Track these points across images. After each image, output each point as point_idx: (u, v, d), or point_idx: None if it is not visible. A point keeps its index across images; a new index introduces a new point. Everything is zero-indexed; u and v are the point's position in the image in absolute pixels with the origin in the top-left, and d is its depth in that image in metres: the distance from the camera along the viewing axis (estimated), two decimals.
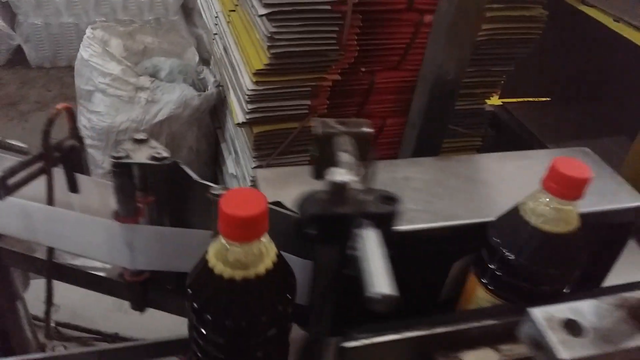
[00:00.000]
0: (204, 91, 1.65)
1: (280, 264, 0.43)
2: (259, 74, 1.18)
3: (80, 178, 0.59)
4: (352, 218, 0.41)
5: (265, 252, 0.42)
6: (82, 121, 1.67)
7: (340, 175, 0.41)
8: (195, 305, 0.43)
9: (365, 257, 0.38)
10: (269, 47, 1.13)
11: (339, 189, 0.41)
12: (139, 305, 0.57)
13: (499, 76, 1.37)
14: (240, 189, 0.42)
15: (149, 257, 0.54)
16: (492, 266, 0.54)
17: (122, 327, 0.90)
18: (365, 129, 0.45)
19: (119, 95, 1.62)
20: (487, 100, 1.43)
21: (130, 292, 0.56)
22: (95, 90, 1.63)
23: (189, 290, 0.43)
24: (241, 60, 1.26)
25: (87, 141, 1.67)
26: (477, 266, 0.57)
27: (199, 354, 0.45)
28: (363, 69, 1.25)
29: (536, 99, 1.52)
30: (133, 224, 0.52)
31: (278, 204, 0.60)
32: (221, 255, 0.41)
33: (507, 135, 1.39)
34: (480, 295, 0.56)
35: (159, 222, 0.55)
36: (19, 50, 2.53)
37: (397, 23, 1.21)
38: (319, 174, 0.48)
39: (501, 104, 1.50)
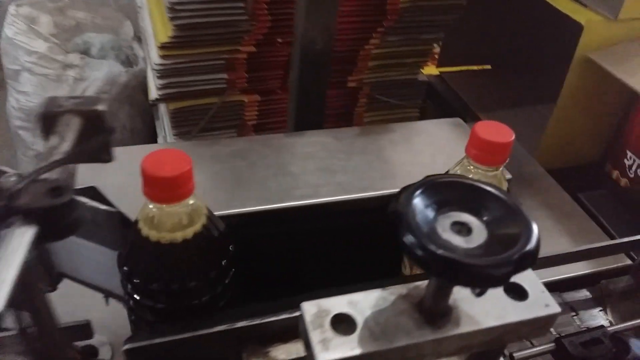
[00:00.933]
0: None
1: (211, 228, 0.42)
2: (165, 48, 1.12)
3: None
4: None
5: (193, 215, 0.41)
6: (11, 102, 1.62)
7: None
8: (125, 269, 0.43)
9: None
10: (172, 19, 1.08)
11: None
12: None
13: (429, 44, 1.31)
14: (165, 149, 0.41)
15: None
16: None
17: None
18: (98, 107, 0.40)
19: (46, 74, 1.56)
20: (421, 70, 1.37)
21: None
22: (22, 70, 1.58)
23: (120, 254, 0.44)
24: (151, 33, 1.20)
25: (17, 122, 1.62)
26: None
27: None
28: (280, 40, 1.19)
29: (475, 67, 1.46)
30: None
31: (92, 189, 0.55)
32: (148, 218, 0.41)
33: (442, 106, 1.33)
34: None
35: None
36: None
37: None
38: None
39: (438, 73, 1.44)
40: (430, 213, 0.34)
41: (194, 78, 1.20)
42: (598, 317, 0.74)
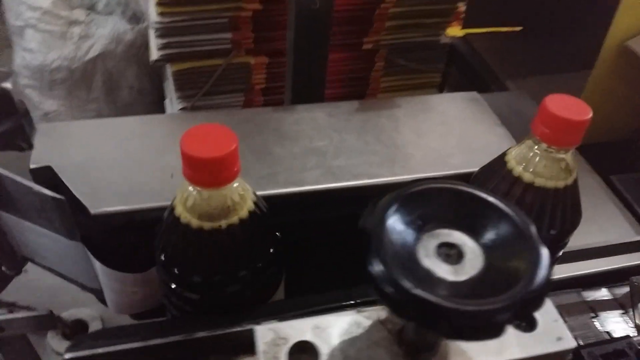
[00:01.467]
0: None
1: (259, 214, 0.38)
2: (163, 4, 1.04)
3: None
4: None
5: (238, 200, 0.36)
6: (17, 60, 1.57)
7: None
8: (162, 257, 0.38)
9: None
10: None
11: None
12: None
13: (452, 3, 1.19)
14: (207, 125, 0.35)
15: None
16: None
17: None
18: (3, 85, 0.33)
19: (50, 31, 1.50)
20: (443, 32, 1.26)
21: None
22: (26, 26, 1.51)
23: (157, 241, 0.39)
24: None
25: (24, 81, 1.57)
26: None
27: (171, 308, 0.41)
28: None
29: (505, 29, 1.34)
30: None
31: (48, 169, 0.49)
32: (186, 202, 0.36)
33: (465, 71, 1.22)
34: None
35: None
36: None
37: None
38: None
39: (462, 35, 1.32)
40: (411, 231, 0.27)
41: (196, 38, 1.12)
42: (621, 321, 0.65)
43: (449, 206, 0.27)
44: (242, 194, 0.37)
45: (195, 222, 0.36)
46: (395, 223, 0.26)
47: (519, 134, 0.92)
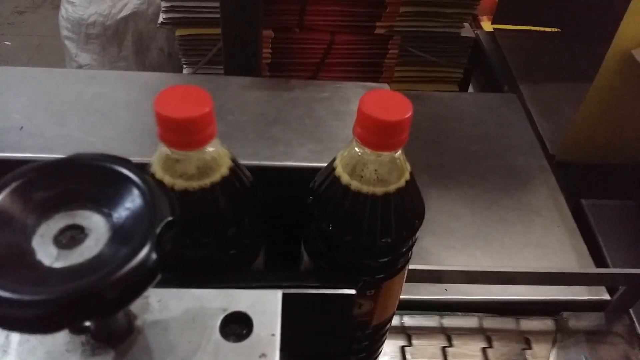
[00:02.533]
0: None
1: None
2: None
3: None
4: None
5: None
6: (62, 11, 1.64)
7: None
8: None
9: None
10: None
11: None
12: None
13: None
14: (180, 86, 0.34)
15: None
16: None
17: None
18: None
19: None
20: (464, 24, 1.18)
21: None
22: None
23: None
24: None
25: (64, 32, 1.64)
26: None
27: None
28: None
29: (539, 29, 1.23)
30: None
31: None
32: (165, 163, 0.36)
33: (482, 68, 1.14)
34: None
35: None
36: None
37: None
38: None
39: (491, 30, 1.23)
40: (30, 221, 0.24)
41: (200, 4, 1.11)
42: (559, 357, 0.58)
43: (82, 183, 0.24)
44: (217, 158, 0.36)
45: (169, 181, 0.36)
46: (6, 213, 0.23)
47: (481, 135, 0.84)
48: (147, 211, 0.23)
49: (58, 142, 0.46)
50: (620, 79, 0.80)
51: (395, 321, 0.62)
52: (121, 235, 0.23)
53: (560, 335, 0.62)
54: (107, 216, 0.24)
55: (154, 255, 0.22)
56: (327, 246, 0.40)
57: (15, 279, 0.21)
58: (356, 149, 0.37)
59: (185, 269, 0.34)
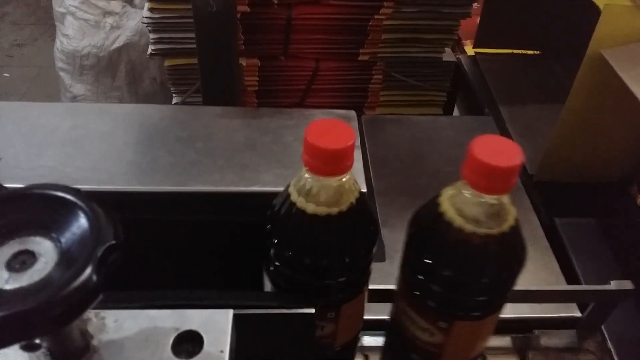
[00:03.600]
0: None
1: (362, 205, 0.41)
2: (154, 0, 1.08)
3: None
4: None
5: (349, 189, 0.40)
6: (57, 44, 1.68)
7: None
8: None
9: None
10: None
11: None
12: None
13: (453, 19, 1.14)
14: (327, 120, 0.39)
15: None
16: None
17: None
18: None
19: (86, 19, 1.59)
20: (445, 49, 1.21)
21: None
22: (67, 13, 1.62)
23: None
24: None
25: (59, 64, 1.68)
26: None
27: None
28: (276, 1, 1.10)
29: (519, 52, 1.26)
30: None
31: None
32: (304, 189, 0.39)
33: (464, 91, 1.17)
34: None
35: None
36: None
37: None
38: None
39: (473, 54, 1.26)
40: None
41: (187, 35, 1.14)
42: None
43: (31, 211, 0.26)
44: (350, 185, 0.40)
45: (310, 208, 0.39)
46: None
47: (457, 157, 0.86)
48: (91, 236, 0.25)
49: (35, 173, 0.48)
50: (591, 96, 0.82)
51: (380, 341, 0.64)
52: (67, 259, 0.25)
53: (532, 353, 0.63)
54: (56, 241, 0.26)
55: (94, 277, 0.24)
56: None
57: None
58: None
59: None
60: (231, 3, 0.64)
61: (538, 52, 1.29)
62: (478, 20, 1.29)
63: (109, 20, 1.58)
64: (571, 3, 1.06)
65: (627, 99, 0.69)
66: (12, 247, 0.26)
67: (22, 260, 0.26)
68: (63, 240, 0.26)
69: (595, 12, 0.77)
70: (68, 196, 0.26)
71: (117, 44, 1.55)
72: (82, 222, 0.25)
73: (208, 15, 0.63)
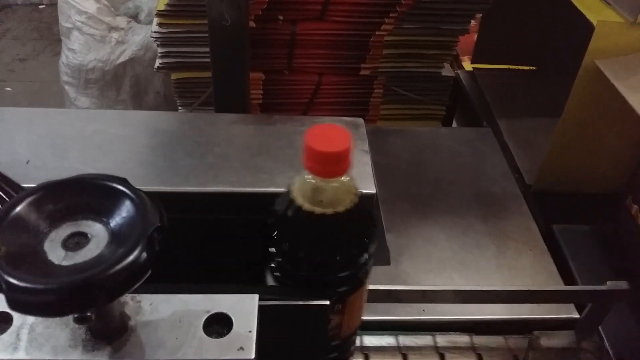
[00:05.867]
0: None
1: (361, 205, 0.43)
2: (163, 15, 1.11)
3: None
4: None
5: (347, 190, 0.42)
6: (62, 58, 1.71)
7: None
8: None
9: None
10: None
11: None
12: None
13: (452, 36, 1.18)
14: (326, 124, 0.41)
15: None
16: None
17: None
18: None
19: (92, 34, 1.63)
20: (444, 64, 1.25)
21: None
22: (73, 28, 1.66)
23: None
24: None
25: (64, 77, 1.71)
26: None
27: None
28: (281, 17, 1.13)
29: (516, 67, 1.30)
30: None
31: None
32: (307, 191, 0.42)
33: (463, 105, 1.20)
34: None
35: None
36: None
37: None
38: None
39: (471, 69, 1.30)
40: (42, 228, 0.28)
41: (193, 49, 1.17)
42: None
43: (81, 197, 0.29)
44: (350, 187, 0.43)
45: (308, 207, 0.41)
46: (19, 223, 0.28)
47: (457, 166, 0.89)
48: (139, 219, 0.28)
49: (60, 174, 0.51)
50: (586, 111, 0.85)
51: (384, 341, 0.66)
52: (117, 240, 0.28)
53: (532, 353, 0.65)
54: (106, 224, 0.29)
55: (144, 254, 0.26)
56: (297, 266, 0.44)
57: (30, 273, 0.25)
58: (306, 177, 0.42)
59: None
60: (244, 17, 0.67)
61: (533, 68, 1.33)
62: (475, 37, 1.33)
63: (115, 35, 1.62)
64: (565, 20, 1.10)
65: (622, 109, 0.73)
66: (67, 229, 0.28)
67: (76, 241, 0.28)
68: (112, 223, 0.28)
69: (589, 28, 0.81)
70: (116, 184, 0.29)
71: (122, 59, 1.58)
72: (129, 207, 0.28)
73: (222, 28, 0.66)
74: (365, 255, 0.44)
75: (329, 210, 0.41)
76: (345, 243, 0.43)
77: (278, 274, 0.45)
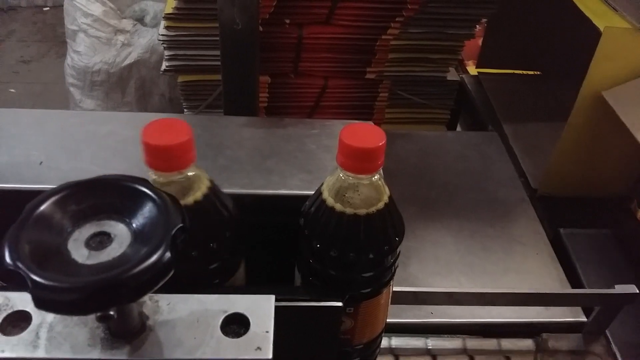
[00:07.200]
0: None
1: (391, 206, 0.44)
2: (170, 19, 1.12)
3: None
4: None
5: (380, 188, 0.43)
6: (68, 60, 1.72)
7: None
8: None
9: None
10: None
11: None
12: None
13: (458, 40, 1.19)
14: (360, 123, 0.43)
15: None
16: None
17: None
18: None
19: (98, 37, 1.63)
20: (449, 69, 1.25)
21: None
22: (79, 31, 1.66)
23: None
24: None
25: (70, 79, 1.71)
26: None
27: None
28: (287, 21, 1.14)
29: (521, 72, 1.31)
30: None
31: None
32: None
33: (468, 109, 1.21)
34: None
35: None
36: None
37: None
38: None
39: (476, 74, 1.31)
40: (65, 228, 0.29)
41: (200, 53, 1.18)
42: None
43: (105, 198, 0.29)
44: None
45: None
46: (44, 222, 0.28)
47: (464, 170, 0.89)
48: (162, 219, 0.28)
49: (74, 175, 0.51)
50: (592, 118, 0.86)
51: (384, 343, 0.66)
52: (141, 239, 0.28)
53: (540, 355, 0.66)
54: (129, 224, 0.29)
55: (168, 254, 0.27)
56: (316, 263, 0.45)
57: (54, 271, 0.25)
58: (340, 175, 0.43)
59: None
60: (255, 21, 0.68)
61: (537, 73, 1.33)
62: (480, 41, 1.34)
63: (121, 37, 1.62)
64: (571, 25, 1.10)
65: None
66: (90, 229, 0.29)
67: (99, 241, 0.28)
68: (135, 223, 0.29)
69: (596, 33, 0.81)
70: (139, 185, 0.29)
71: (127, 61, 1.59)
72: (151, 207, 0.28)
73: (233, 32, 0.67)
74: (391, 257, 0.44)
75: (360, 211, 0.42)
76: (375, 242, 0.43)
77: (305, 272, 0.45)
